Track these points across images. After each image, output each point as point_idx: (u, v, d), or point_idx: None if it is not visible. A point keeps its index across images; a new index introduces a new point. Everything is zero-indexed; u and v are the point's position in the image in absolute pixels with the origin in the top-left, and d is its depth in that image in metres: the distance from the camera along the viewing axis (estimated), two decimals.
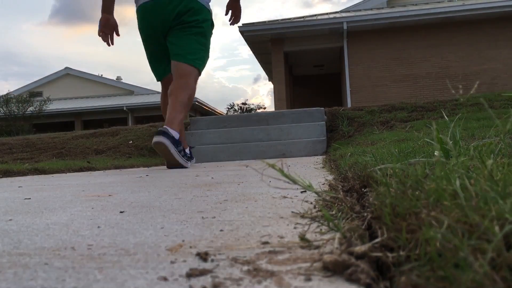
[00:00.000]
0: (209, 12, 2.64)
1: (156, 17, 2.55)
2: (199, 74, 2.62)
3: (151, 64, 2.83)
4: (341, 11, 12.89)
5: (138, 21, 2.73)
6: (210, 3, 2.66)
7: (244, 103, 29.55)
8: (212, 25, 2.63)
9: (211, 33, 2.65)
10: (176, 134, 2.50)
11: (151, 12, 2.55)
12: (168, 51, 2.66)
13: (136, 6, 2.70)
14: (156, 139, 2.52)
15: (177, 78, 2.53)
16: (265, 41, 11.29)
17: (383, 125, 5.15)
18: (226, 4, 3.02)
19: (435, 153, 0.94)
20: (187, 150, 2.93)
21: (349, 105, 10.08)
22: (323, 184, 1.44)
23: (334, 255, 0.52)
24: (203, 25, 2.59)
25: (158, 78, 2.86)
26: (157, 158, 5.15)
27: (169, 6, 2.49)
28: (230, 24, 3.00)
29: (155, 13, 2.53)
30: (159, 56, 2.74)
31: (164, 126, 2.50)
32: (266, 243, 0.66)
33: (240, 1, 2.85)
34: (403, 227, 0.52)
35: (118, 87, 23.03)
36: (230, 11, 2.95)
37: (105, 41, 2.71)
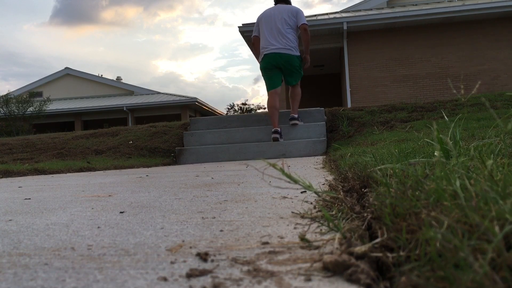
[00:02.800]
0: (300, 57, 4.93)
1: (274, 61, 4.85)
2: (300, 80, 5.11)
3: (268, 83, 4.94)
4: (341, 11, 12.88)
5: (263, 61, 4.91)
6: (297, 48, 4.91)
7: (244, 103, 29.41)
8: (301, 60, 4.97)
9: (302, 63, 5.02)
10: (296, 116, 5.17)
11: (271, 59, 4.84)
12: (277, 76, 4.92)
13: (262, 54, 4.92)
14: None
15: (292, 91, 5.10)
16: None
17: (383, 125, 5.14)
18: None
19: (435, 154, 0.94)
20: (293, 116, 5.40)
21: (349, 105, 10.08)
22: (323, 184, 1.44)
23: (334, 255, 0.52)
24: (299, 65, 4.94)
25: (270, 89, 4.94)
26: (157, 158, 5.15)
27: (281, 58, 4.81)
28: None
29: (273, 59, 4.84)
30: (273, 78, 4.90)
31: (292, 115, 5.18)
32: (266, 243, 0.66)
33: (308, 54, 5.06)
34: (403, 227, 0.52)
35: (118, 87, 23.01)
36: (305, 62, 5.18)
37: None
